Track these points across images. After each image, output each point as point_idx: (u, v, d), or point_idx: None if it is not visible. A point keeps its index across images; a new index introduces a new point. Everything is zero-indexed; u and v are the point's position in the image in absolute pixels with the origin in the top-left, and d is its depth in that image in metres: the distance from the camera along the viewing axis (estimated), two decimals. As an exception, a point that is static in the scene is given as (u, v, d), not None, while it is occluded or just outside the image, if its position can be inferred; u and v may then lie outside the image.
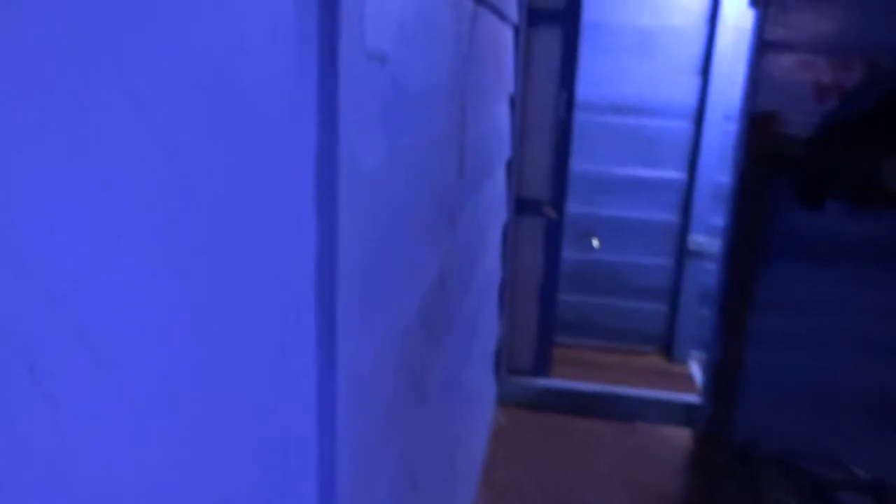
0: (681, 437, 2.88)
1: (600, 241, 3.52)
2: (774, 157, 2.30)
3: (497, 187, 2.43)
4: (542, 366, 3.18)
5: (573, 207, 3.34)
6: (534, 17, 2.73)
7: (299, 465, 0.76)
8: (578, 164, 3.27)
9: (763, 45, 2.30)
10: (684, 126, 3.35)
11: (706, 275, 3.30)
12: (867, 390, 2.30)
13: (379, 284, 0.95)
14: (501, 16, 2.13)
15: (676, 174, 3.42)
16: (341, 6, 0.69)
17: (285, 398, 0.71)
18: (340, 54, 0.71)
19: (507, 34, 2.40)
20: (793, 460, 2.26)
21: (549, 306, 3.11)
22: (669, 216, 3.47)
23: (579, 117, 3.10)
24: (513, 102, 2.67)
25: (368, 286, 0.89)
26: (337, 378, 0.79)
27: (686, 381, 3.41)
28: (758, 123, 2.33)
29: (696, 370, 3.51)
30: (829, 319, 2.31)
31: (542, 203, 2.94)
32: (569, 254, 3.39)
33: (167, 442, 0.50)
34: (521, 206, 2.93)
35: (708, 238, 3.35)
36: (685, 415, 2.95)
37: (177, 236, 0.48)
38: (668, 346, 3.63)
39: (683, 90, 3.31)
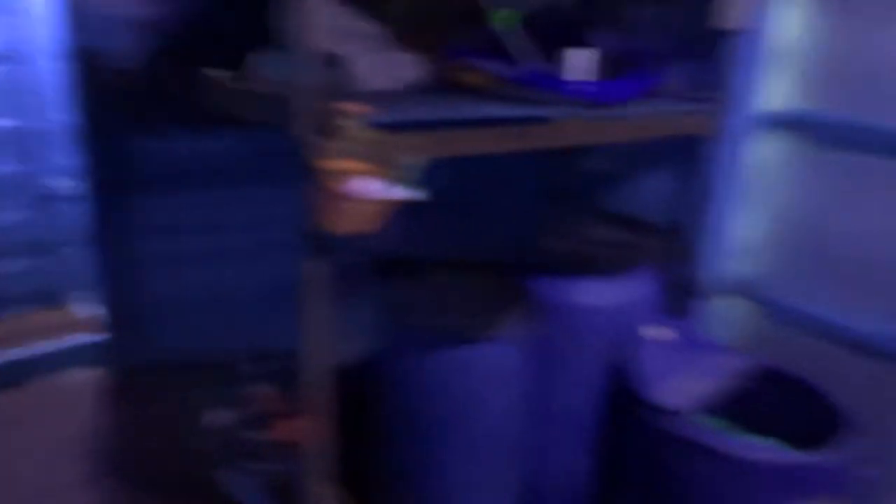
0: (98, 376, 2.94)
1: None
2: (108, 92, 2.41)
3: None
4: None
5: None
6: None
7: None
8: None
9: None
10: (9, 69, 3.17)
11: (75, 217, 3.30)
12: (251, 288, 2.64)
13: None
14: None
15: (14, 121, 3.24)
16: None
17: None
18: None
19: None
20: (202, 360, 2.55)
21: None
22: (20, 166, 3.31)
23: None
24: None
25: None
26: None
27: (87, 325, 3.43)
28: (84, 61, 2.40)
29: (91, 310, 3.54)
30: (189, 238, 2.58)
31: None
32: None
33: None
34: None
35: (68, 180, 3.33)
36: (94, 355, 3.00)
37: None
38: (59, 297, 3.56)
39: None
